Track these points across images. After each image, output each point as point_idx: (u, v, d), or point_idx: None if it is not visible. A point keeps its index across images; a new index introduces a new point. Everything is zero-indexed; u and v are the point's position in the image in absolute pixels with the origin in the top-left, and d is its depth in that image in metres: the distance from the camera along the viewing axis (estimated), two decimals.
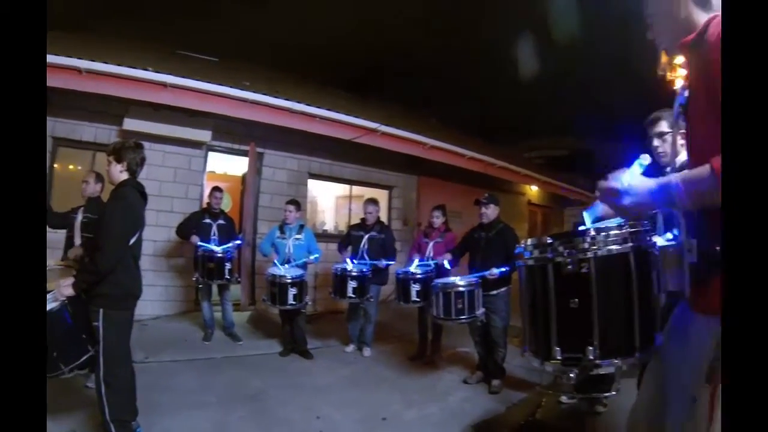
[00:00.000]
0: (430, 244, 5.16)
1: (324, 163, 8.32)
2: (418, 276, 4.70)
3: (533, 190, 14.17)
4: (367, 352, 5.33)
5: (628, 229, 1.45)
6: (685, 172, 1.16)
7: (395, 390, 4.25)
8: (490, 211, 4.48)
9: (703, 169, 1.09)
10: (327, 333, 6.14)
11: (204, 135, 6.51)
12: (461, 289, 4.05)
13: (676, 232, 1.36)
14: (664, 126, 2.40)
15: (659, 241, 1.42)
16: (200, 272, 5.15)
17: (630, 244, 1.42)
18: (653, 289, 1.42)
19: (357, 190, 9.05)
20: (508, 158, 11.29)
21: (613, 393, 1.54)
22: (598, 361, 1.39)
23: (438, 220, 5.26)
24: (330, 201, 10.00)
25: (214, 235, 5.34)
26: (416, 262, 4.98)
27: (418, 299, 4.69)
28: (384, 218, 9.02)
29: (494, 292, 4.30)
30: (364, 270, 5.04)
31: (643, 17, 1.44)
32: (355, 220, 5.94)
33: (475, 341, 4.57)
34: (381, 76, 11.64)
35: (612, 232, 1.44)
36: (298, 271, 4.92)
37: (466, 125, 11.26)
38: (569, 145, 19.11)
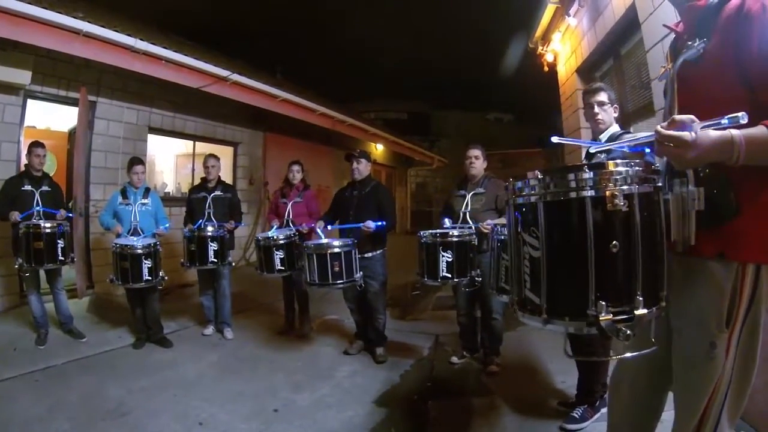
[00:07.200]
0: (289, 205, 4.72)
1: (166, 115, 7.32)
2: (281, 241, 4.28)
3: (378, 150, 14.31)
4: (228, 333, 4.77)
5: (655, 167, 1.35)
6: (745, 130, 1.19)
7: (276, 371, 3.90)
8: (362, 167, 4.23)
9: (761, 129, 1.20)
10: (179, 312, 5.49)
11: (22, 76, 5.08)
12: (337, 250, 3.69)
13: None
14: (603, 97, 2.48)
15: None
16: (25, 256, 4.02)
17: (659, 183, 1.33)
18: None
19: (200, 147, 8.20)
20: (354, 117, 11.28)
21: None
22: (645, 312, 1.24)
23: (298, 174, 4.86)
24: (169, 160, 9.03)
25: (38, 204, 4.22)
26: (275, 227, 4.60)
27: (282, 267, 4.28)
28: (229, 177, 8.55)
29: (369, 254, 4.05)
30: (222, 231, 4.58)
31: None
32: (199, 182, 5.21)
33: (351, 309, 4.36)
34: (228, 32, 10.99)
35: (641, 169, 1.29)
36: (150, 240, 4.23)
37: (310, 84, 10.98)
38: (407, 109, 20.12)
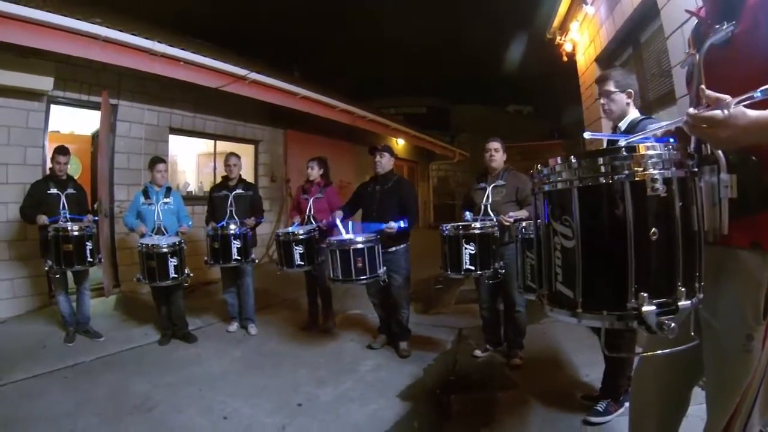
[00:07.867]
0: (311, 201, 4.72)
1: (186, 116, 7.40)
2: (301, 236, 4.27)
3: (399, 145, 14.24)
4: (253, 329, 4.82)
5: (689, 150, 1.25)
6: None
7: (299, 367, 3.92)
8: (385, 161, 4.22)
9: None
10: (203, 309, 5.56)
11: (44, 83, 5.19)
12: (360, 246, 3.67)
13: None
14: (611, 85, 2.37)
15: None
16: (54, 258, 4.10)
17: (694, 169, 1.23)
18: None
19: (221, 146, 8.28)
20: (374, 113, 11.25)
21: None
22: (688, 303, 1.15)
23: (314, 171, 4.85)
24: (191, 159, 9.13)
25: (64, 208, 4.30)
26: (296, 223, 4.66)
27: (302, 263, 4.28)
28: (250, 175, 8.60)
29: (393, 249, 4.03)
30: (244, 229, 4.63)
31: None
32: (220, 180, 5.23)
33: (375, 303, 4.35)
34: (237, 32, 11.02)
35: (677, 152, 1.20)
36: (175, 238, 4.31)
37: (327, 81, 10.97)
38: (426, 103, 19.99)
